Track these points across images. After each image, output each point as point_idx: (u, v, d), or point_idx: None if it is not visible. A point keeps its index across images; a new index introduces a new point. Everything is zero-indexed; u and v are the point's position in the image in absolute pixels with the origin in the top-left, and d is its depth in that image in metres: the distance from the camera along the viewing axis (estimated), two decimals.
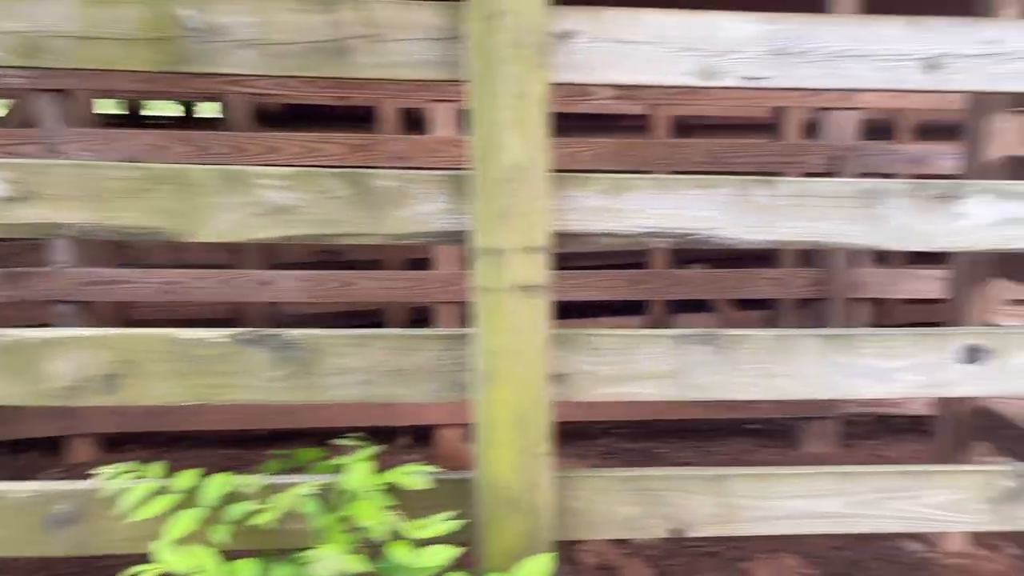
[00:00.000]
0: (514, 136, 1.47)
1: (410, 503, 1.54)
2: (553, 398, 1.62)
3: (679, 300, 4.66)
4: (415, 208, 1.55)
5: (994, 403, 3.18)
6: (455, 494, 1.67)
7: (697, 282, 4.54)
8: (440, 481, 1.65)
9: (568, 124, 5.46)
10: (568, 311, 3.39)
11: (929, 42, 1.57)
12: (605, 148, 4.23)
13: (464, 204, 1.53)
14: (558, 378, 1.64)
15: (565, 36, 1.52)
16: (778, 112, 4.54)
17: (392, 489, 1.55)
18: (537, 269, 1.53)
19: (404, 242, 1.60)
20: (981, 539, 3.45)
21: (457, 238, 1.56)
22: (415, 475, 1.56)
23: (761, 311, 4.85)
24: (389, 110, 4.18)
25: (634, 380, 1.65)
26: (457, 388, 1.64)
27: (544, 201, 1.52)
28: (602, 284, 4.43)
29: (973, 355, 1.68)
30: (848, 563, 3.39)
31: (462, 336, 1.61)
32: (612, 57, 1.55)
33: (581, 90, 4.19)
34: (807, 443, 4.44)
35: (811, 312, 4.46)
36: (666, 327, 4.16)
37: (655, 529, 1.73)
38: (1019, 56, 1.59)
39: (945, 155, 4.22)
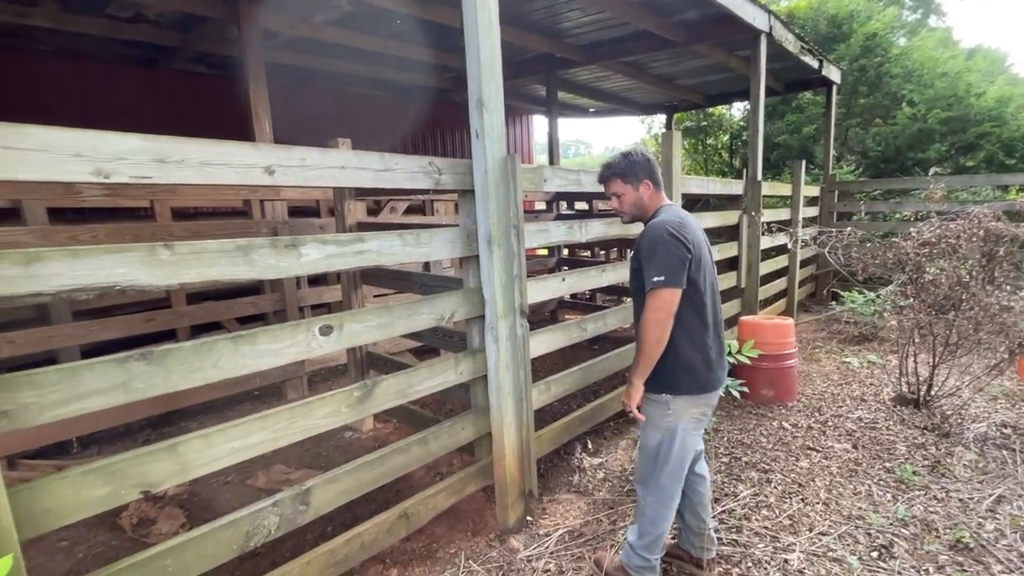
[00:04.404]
0: None
1: None
2: (1, 429, 1.12)
3: (202, 324, 3.89)
4: None
5: (374, 348, 3.39)
6: None
7: (197, 313, 3.83)
8: None
9: (84, 216, 4.14)
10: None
11: (266, 157, 1.50)
12: (103, 231, 3.23)
13: None
14: (3, 414, 1.14)
15: None
16: (247, 202, 4.11)
17: None
18: None
19: None
20: (380, 418, 3.67)
21: None
22: None
23: (258, 321, 4.30)
24: None
25: (80, 400, 1.24)
26: None
27: None
28: (119, 326, 3.44)
29: (326, 331, 1.68)
30: (315, 455, 3.27)
31: None
32: (2, 160, 1.11)
33: (69, 188, 3.15)
34: (290, 394, 4.17)
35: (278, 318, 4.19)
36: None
37: (129, 496, 1.34)
38: (317, 167, 1.61)
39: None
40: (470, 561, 2.16)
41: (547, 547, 2.23)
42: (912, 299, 3.39)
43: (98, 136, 1.21)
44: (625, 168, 1.84)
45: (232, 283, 1.45)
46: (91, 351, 3.30)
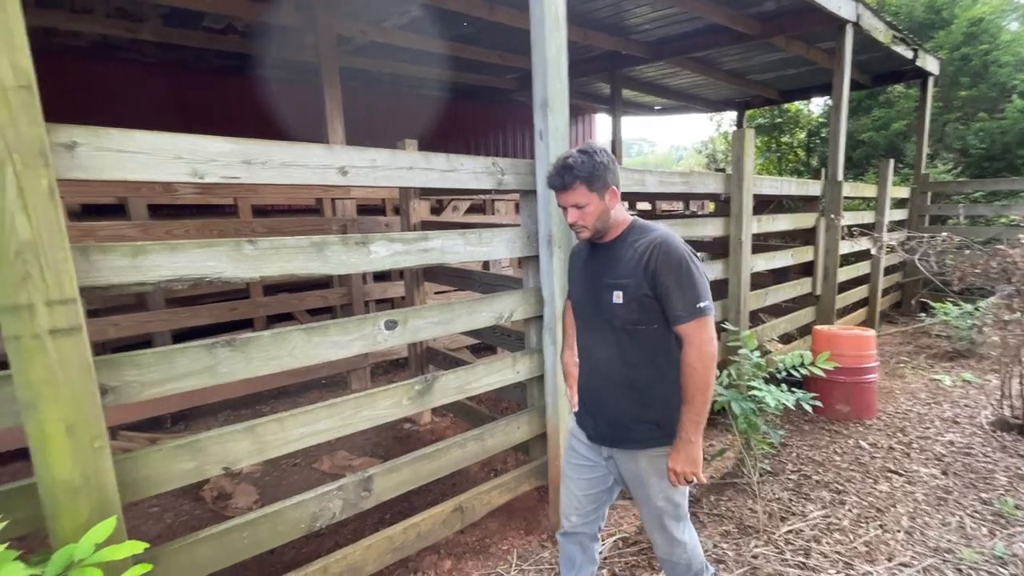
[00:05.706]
0: (22, 219, 1.07)
1: None
2: (108, 404, 1.25)
3: (277, 314, 4.18)
4: None
5: (433, 343, 3.48)
6: (24, 498, 1.20)
7: (272, 304, 4.09)
8: (6, 492, 1.17)
9: (177, 211, 4.53)
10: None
11: (340, 159, 1.58)
12: (193, 226, 3.52)
13: None
14: (111, 390, 1.27)
15: (70, 146, 1.17)
16: (319, 200, 4.33)
17: None
18: (68, 315, 1.15)
19: None
20: (437, 412, 3.76)
21: None
22: None
23: (326, 314, 4.54)
24: None
25: (175, 380, 1.36)
26: (10, 416, 1.17)
27: (67, 265, 1.14)
28: (206, 313, 3.74)
29: (390, 325, 1.74)
30: (375, 444, 3.41)
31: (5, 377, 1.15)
32: (115, 162, 1.23)
33: (168, 187, 3.46)
34: (354, 384, 4.36)
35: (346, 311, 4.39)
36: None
37: (212, 471, 1.46)
38: (387, 168, 1.67)
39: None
40: (522, 560, 2.17)
41: (600, 552, 2.20)
42: (1019, 313, 3.05)
43: (195, 140, 1.33)
44: (591, 172, 1.42)
45: (307, 277, 1.53)
46: (178, 337, 3.62)
